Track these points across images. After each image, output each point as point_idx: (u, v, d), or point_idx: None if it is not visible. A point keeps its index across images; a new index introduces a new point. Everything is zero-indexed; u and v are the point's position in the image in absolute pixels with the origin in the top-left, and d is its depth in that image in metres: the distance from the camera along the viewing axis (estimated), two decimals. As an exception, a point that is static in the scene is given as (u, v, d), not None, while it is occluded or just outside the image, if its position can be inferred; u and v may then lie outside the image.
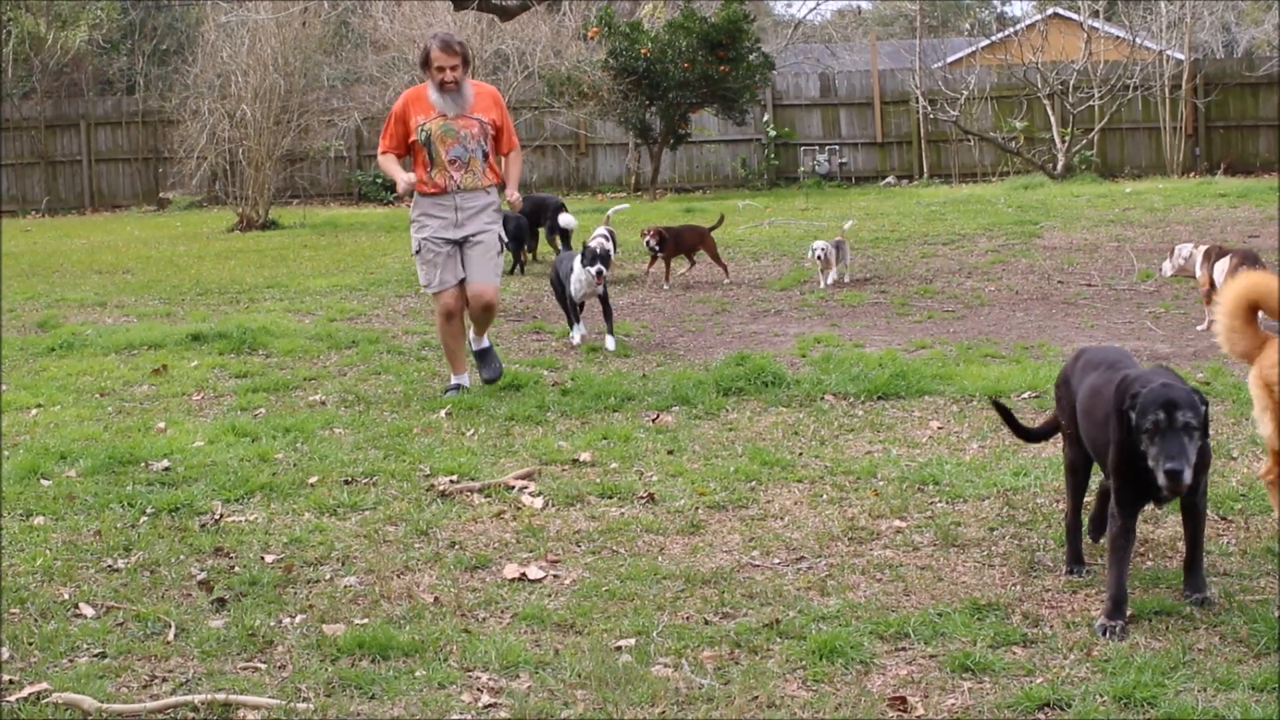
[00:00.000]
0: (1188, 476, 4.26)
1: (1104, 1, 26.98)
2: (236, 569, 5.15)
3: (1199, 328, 9.87)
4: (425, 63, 8.24)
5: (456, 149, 8.19)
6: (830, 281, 12.53)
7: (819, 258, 12.54)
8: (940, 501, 5.81)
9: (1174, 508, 4.94)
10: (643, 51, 23.58)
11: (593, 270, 9.54)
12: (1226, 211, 17.54)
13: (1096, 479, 5.09)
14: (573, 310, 9.96)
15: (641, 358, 9.37)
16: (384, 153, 8.39)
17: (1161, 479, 4.28)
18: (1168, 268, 10.67)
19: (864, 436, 6.95)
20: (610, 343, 9.63)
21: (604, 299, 9.81)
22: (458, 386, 8.32)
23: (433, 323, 11.29)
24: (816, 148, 26.79)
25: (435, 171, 8.19)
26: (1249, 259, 9.62)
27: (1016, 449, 6.56)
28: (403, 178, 8.18)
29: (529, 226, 14.57)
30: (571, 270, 9.75)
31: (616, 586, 4.88)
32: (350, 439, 7.11)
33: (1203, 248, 10.16)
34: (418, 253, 8.32)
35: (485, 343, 8.57)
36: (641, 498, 5.95)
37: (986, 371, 8.21)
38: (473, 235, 8.22)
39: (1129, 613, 4.42)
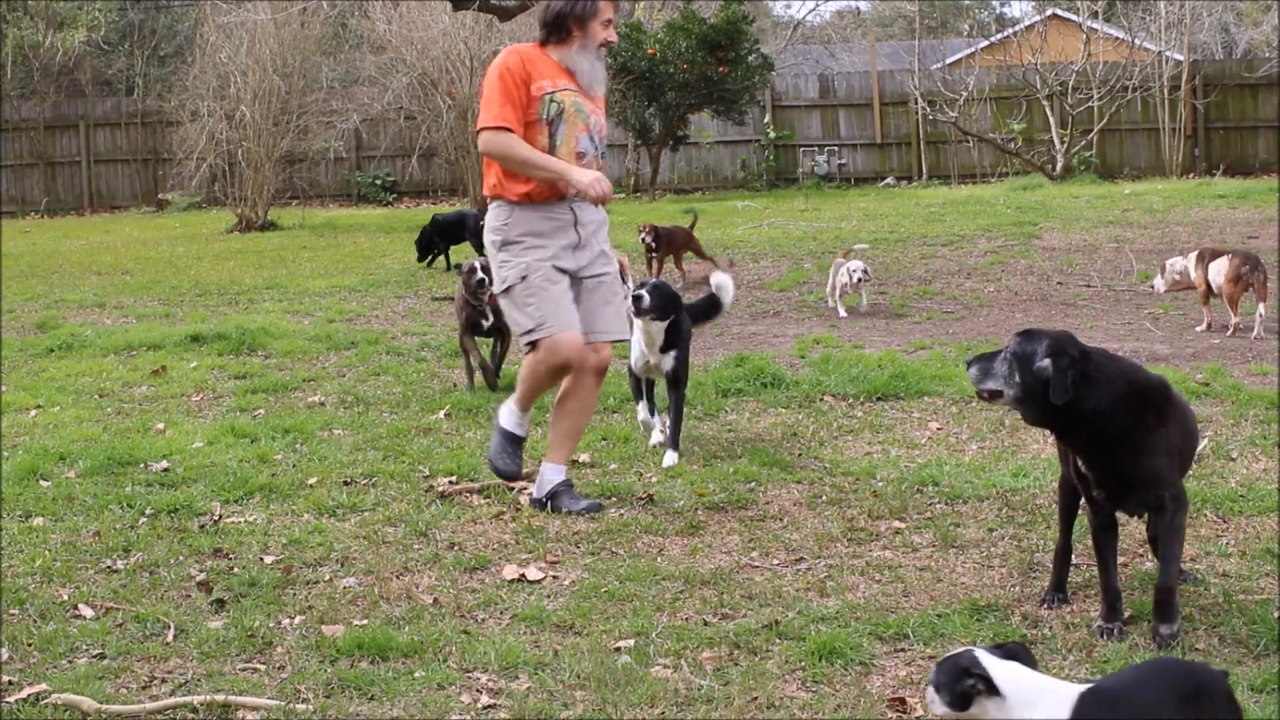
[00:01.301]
0: (972, 373, 4.28)
1: (1103, 2, 26.97)
2: (236, 570, 5.15)
3: (1198, 328, 9.87)
4: (583, 15, 5.76)
5: (584, 140, 5.90)
6: (845, 312, 11.06)
7: (859, 280, 10.93)
8: (939, 502, 5.81)
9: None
10: (649, 52, 23.55)
11: (636, 317, 6.54)
12: (1225, 212, 17.54)
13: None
14: (634, 387, 7.09)
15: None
16: (499, 128, 5.63)
17: None
18: (1160, 284, 10.40)
19: (863, 437, 6.95)
20: (670, 457, 6.52)
21: (676, 381, 6.65)
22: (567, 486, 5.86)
23: (431, 323, 11.19)
24: (816, 149, 26.80)
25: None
26: (1250, 260, 9.62)
27: (1015, 450, 6.57)
28: (584, 176, 5.65)
29: (438, 240, 14.70)
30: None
31: (616, 587, 4.88)
32: (349, 440, 7.10)
33: (1193, 254, 10.09)
34: (522, 279, 5.71)
35: (563, 471, 5.91)
36: (641, 499, 5.95)
37: (986, 372, 8.19)
38: (594, 270, 5.89)
39: (1127, 614, 4.42)
